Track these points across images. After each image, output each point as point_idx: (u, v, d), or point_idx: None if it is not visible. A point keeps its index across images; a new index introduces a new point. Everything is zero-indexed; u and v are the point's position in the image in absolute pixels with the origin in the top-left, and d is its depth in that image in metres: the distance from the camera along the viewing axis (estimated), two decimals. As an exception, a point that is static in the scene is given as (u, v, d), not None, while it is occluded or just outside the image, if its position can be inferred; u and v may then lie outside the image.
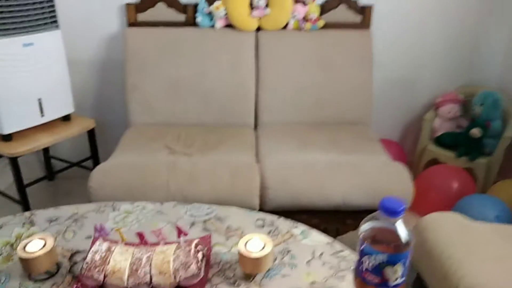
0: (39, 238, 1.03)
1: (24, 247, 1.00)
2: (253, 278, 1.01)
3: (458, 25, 2.38)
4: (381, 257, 0.84)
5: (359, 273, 0.89)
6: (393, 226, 0.84)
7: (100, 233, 1.18)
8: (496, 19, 2.36)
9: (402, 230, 0.84)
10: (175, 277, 0.97)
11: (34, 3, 1.95)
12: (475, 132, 2.15)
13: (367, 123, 2.28)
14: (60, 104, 2.17)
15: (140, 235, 1.17)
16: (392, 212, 0.83)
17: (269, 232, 1.18)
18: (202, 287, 0.98)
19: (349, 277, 1.01)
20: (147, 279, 0.97)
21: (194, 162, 1.84)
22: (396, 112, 2.56)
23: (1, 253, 1.11)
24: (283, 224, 1.22)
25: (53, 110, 2.14)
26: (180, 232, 1.19)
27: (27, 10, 1.93)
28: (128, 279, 0.96)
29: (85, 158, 2.38)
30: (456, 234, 1.39)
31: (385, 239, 0.84)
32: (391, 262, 0.84)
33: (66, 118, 2.22)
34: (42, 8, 1.99)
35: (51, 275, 1.03)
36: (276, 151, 1.97)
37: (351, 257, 1.09)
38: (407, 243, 0.83)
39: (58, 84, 2.13)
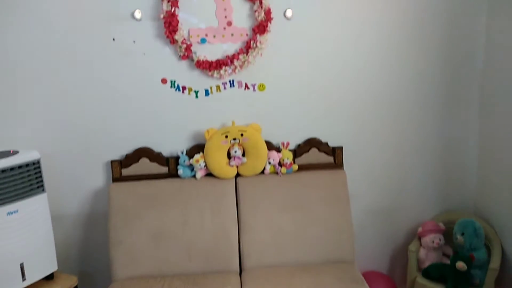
0: None
1: None
2: None
3: (430, 154, 2.50)
4: None
5: None
6: None
7: None
8: (467, 147, 2.50)
9: None
10: None
11: (21, 173, 2.05)
12: (461, 266, 2.13)
13: (351, 261, 2.26)
14: (43, 264, 2.15)
15: None
16: None
17: None
18: None
19: None
20: None
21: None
22: (380, 243, 2.57)
23: None
24: None
25: (35, 271, 2.11)
26: None
27: (14, 180, 2.02)
28: None
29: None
30: None
31: None
32: None
33: (49, 277, 2.19)
34: (29, 176, 2.09)
35: None
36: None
37: None
38: None
39: (42, 246, 2.13)
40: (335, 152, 2.41)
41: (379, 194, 2.52)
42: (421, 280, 2.31)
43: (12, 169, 2.01)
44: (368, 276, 2.31)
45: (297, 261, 2.24)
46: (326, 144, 2.41)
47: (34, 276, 2.11)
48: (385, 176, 2.51)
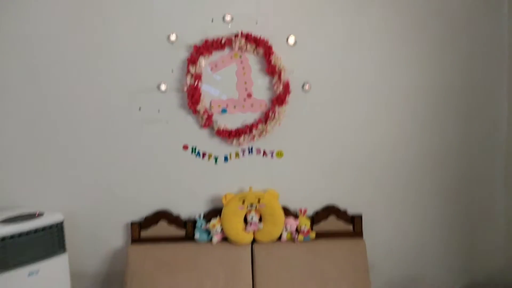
0: None
1: None
2: None
3: (455, 221, 2.44)
4: None
5: None
6: None
7: None
8: (493, 213, 2.42)
9: None
10: None
11: (44, 235, 2.12)
12: None
13: (371, 338, 2.17)
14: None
15: None
16: None
17: None
18: None
19: None
20: None
21: None
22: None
23: None
24: None
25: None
26: None
27: (37, 242, 2.09)
28: None
29: None
30: None
31: None
32: None
33: None
34: (52, 237, 2.16)
35: None
36: None
37: None
38: None
39: (59, 306, 2.17)
40: (354, 220, 2.37)
41: (400, 264, 2.45)
42: None
43: (36, 231, 2.10)
44: None
45: (313, 336, 2.17)
46: (345, 211, 2.39)
47: None
48: (407, 245, 2.44)
